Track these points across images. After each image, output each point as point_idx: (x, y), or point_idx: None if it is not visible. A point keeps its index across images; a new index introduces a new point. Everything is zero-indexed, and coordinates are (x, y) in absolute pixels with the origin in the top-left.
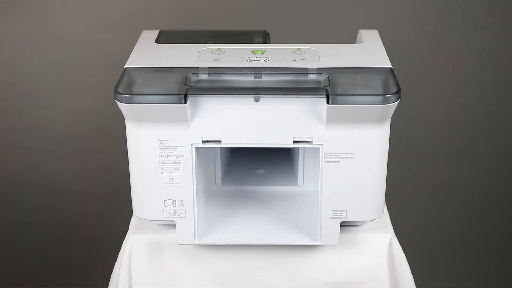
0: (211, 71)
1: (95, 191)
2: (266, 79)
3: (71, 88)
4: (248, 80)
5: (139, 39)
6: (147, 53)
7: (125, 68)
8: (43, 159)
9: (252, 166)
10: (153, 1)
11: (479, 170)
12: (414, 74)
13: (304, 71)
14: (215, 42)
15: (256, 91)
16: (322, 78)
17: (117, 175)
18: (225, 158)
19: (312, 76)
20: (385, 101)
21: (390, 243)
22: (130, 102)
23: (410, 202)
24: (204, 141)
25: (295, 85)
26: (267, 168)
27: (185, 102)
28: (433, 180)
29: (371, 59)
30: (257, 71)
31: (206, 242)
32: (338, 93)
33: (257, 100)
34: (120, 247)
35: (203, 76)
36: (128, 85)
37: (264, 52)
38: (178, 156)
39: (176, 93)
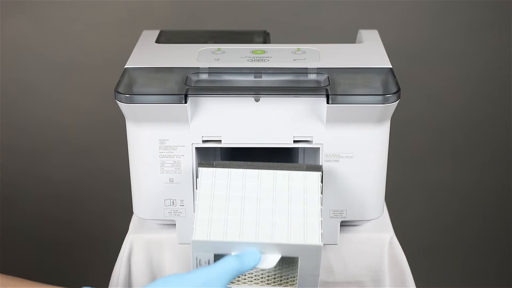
0: (212, 71)
1: (95, 191)
2: (266, 79)
3: (71, 88)
4: (248, 80)
5: (140, 39)
6: (148, 53)
7: (125, 68)
8: (43, 159)
9: None
10: (153, 1)
11: (479, 170)
12: (414, 74)
13: (304, 71)
14: (215, 42)
15: (256, 91)
16: (322, 78)
17: (117, 175)
18: (225, 158)
19: (312, 76)
20: (385, 101)
21: (390, 243)
22: (131, 102)
23: (410, 202)
24: (204, 141)
25: (295, 85)
26: None
27: (186, 102)
28: (433, 179)
29: (371, 59)
30: (257, 71)
31: None
32: (338, 93)
33: (257, 100)
34: (120, 247)
35: (204, 76)
36: (129, 85)
37: (264, 52)
38: (178, 156)
39: (177, 93)
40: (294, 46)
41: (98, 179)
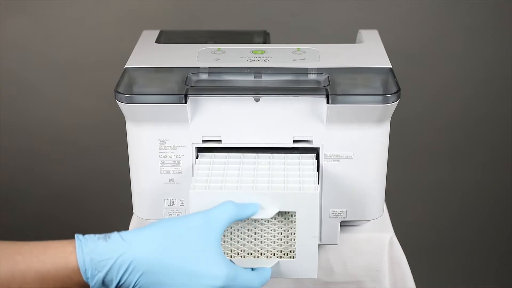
0: (212, 71)
1: (95, 191)
2: (266, 79)
3: (71, 88)
4: (248, 80)
5: (140, 39)
6: (148, 53)
7: (125, 68)
8: (43, 159)
9: None
10: (153, 1)
11: (479, 170)
12: (414, 74)
13: (304, 71)
14: (215, 42)
15: (256, 91)
16: (322, 78)
17: (117, 175)
18: None
19: (312, 76)
20: (385, 101)
21: (390, 243)
22: (131, 102)
23: (410, 202)
24: (204, 141)
25: (295, 85)
26: None
27: (186, 102)
28: (432, 180)
29: (371, 59)
30: (257, 71)
31: None
32: (338, 93)
33: (257, 100)
34: None
35: (204, 76)
36: (129, 85)
37: (264, 52)
38: (178, 156)
39: (177, 93)
40: (294, 46)
41: (98, 179)
